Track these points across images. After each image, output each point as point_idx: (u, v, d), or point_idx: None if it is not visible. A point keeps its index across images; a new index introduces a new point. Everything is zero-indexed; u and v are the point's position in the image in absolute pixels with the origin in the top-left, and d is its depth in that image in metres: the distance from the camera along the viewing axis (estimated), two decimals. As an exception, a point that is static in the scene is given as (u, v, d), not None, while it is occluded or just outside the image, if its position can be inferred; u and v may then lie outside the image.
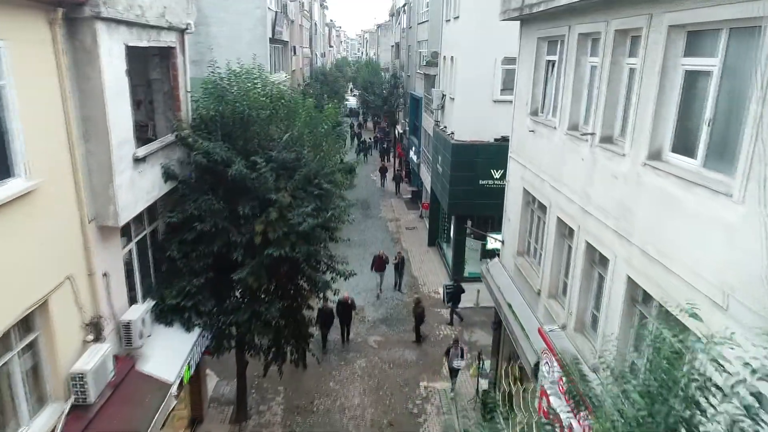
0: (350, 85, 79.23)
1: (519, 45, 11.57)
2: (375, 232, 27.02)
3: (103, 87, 7.37)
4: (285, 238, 10.20)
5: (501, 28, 18.54)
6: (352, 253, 24.09)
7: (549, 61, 10.11)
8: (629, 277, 6.61)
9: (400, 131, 38.51)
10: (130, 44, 8.34)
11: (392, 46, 51.30)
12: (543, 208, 10.05)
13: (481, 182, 19.36)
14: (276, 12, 22.41)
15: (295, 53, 30.33)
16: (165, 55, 10.51)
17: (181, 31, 10.71)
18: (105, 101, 7.43)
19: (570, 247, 8.82)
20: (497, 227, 22.16)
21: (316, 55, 53.45)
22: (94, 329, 7.60)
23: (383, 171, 39.51)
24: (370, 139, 51.35)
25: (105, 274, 8.14)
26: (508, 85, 18.87)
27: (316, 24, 53.75)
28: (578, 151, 8.20)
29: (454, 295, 18.39)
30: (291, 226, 10.08)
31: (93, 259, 7.65)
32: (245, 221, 10.34)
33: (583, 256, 8.01)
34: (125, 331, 8.58)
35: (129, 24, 8.14)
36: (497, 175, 19.31)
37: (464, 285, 20.53)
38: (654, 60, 6.05)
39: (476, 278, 21.08)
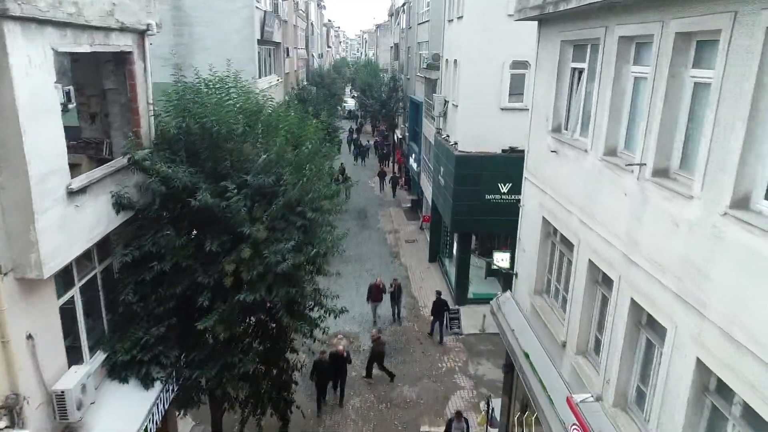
0: (349, 87, 77.82)
1: (537, 49, 9.96)
2: (372, 246, 25.39)
3: (16, 105, 5.74)
4: (261, 279, 8.58)
5: (509, 29, 16.95)
6: (347, 270, 22.48)
7: (575, 68, 8.50)
8: (699, 360, 4.99)
9: (399, 136, 36.89)
10: (63, 50, 6.72)
11: (391, 47, 49.69)
12: (568, 244, 8.43)
13: (487, 197, 17.76)
14: (265, 11, 20.81)
15: (288, 55, 28.71)
16: (120, 61, 8.89)
17: (140, 33, 9.09)
18: (20, 123, 5.80)
19: (606, 299, 7.21)
20: (503, 242, 20.76)
21: (312, 56, 51.83)
22: (8, 413, 5.98)
23: (382, 176, 38.13)
24: (368, 141, 49.80)
25: (30, 337, 6.52)
26: (516, 91, 17.32)
27: (312, 24, 52.13)
28: (620, 183, 6.58)
29: (437, 310, 17.38)
30: (268, 265, 8.47)
31: (8, 322, 6.03)
32: (214, 259, 8.72)
33: (627, 316, 6.40)
34: (59, 404, 6.95)
35: (59, 24, 6.50)
36: (505, 189, 17.72)
37: (468, 307, 19.01)
38: (742, 74, 4.44)
39: (481, 299, 19.50)
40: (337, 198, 9.87)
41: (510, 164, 17.46)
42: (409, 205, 31.56)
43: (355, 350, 16.75)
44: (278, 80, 26.41)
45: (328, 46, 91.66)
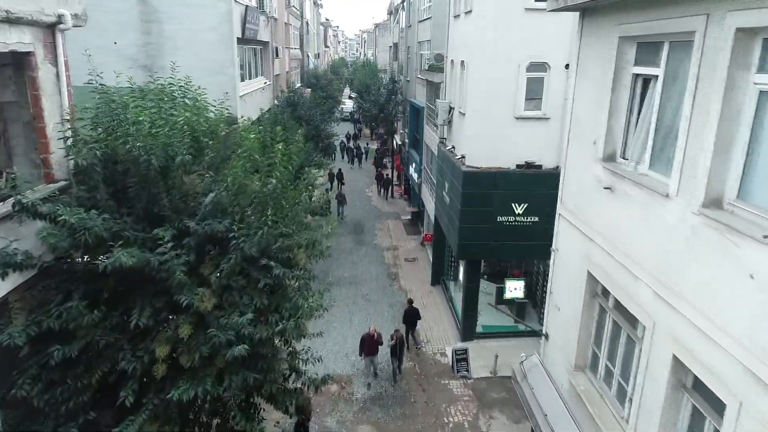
0: (347, 88, 75.64)
1: (577, 48, 7.64)
2: (368, 266, 23.03)
3: None
4: (207, 364, 6.26)
5: (526, 26, 14.62)
6: (340, 294, 20.16)
7: (639, 75, 6.16)
8: None
9: (399, 142, 34.55)
10: None
11: (390, 47, 47.37)
12: (632, 320, 6.11)
13: (499, 219, 15.42)
14: (246, 6, 18.47)
15: (278, 55, 26.38)
16: (19, 65, 6.56)
17: (48, 27, 6.77)
18: None
19: (699, 413, 4.88)
20: (515, 266, 18.41)
21: (308, 56, 49.51)
22: None
23: (380, 179, 36.01)
24: (367, 144, 47.54)
25: None
26: (533, 97, 14.98)
27: (308, 23, 49.81)
28: (737, 256, 4.27)
29: (408, 319, 16.73)
30: (216, 347, 6.14)
31: None
32: (145, 334, 6.41)
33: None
34: None
35: None
36: (520, 210, 15.39)
37: (477, 344, 16.68)
38: None
39: (491, 334, 17.19)
40: (318, 246, 7.51)
41: (526, 182, 15.18)
42: (408, 217, 29.21)
43: (348, 398, 14.42)
44: (266, 83, 24.08)
45: (326, 46, 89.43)
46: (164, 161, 6.46)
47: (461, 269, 18.45)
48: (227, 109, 8.48)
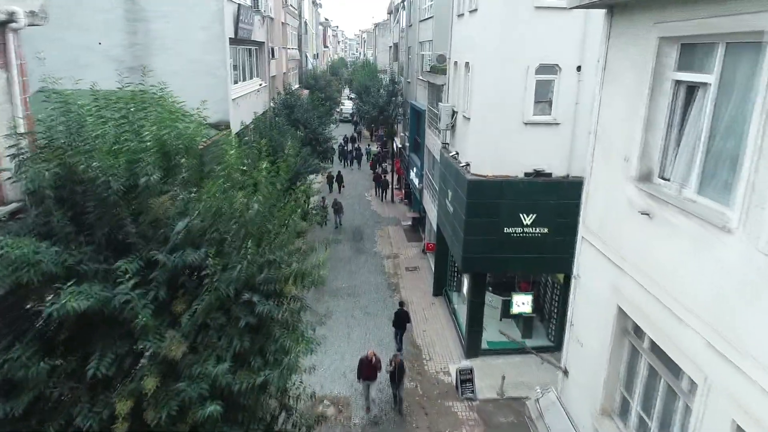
0: (347, 89, 74.76)
1: (604, 50, 6.74)
2: (368, 275, 22.13)
3: None
4: (178, 421, 5.36)
5: (535, 25, 13.70)
6: (337, 306, 19.26)
7: (682, 82, 5.27)
8: None
9: (399, 145, 33.65)
10: None
11: (390, 47, 46.48)
12: (674, 369, 5.22)
13: (506, 230, 14.53)
14: (239, 5, 17.57)
15: (274, 56, 25.49)
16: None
17: (-4, 26, 5.87)
18: None
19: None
20: (522, 278, 17.48)
21: (306, 56, 48.63)
22: None
23: (378, 180, 35.52)
24: (368, 146, 46.71)
25: None
26: (543, 101, 14.10)
27: (306, 23, 48.92)
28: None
29: (398, 322, 16.56)
30: (186, 402, 5.24)
31: None
32: (106, 385, 5.51)
33: None
34: None
35: None
36: (528, 221, 14.50)
37: (483, 361, 15.79)
38: None
39: (497, 351, 16.28)
40: (310, 277, 6.59)
41: (534, 191, 14.30)
42: (409, 223, 28.31)
43: (345, 423, 13.52)
44: (261, 85, 23.18)
45: (325, 46, 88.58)
46: (128, 182, 5.56)
47: (465, 281, 17.58)
48: (205, 120, 7.51)
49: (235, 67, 19.05)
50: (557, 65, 13.67)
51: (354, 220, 29.40)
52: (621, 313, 6.17)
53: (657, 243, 5.42)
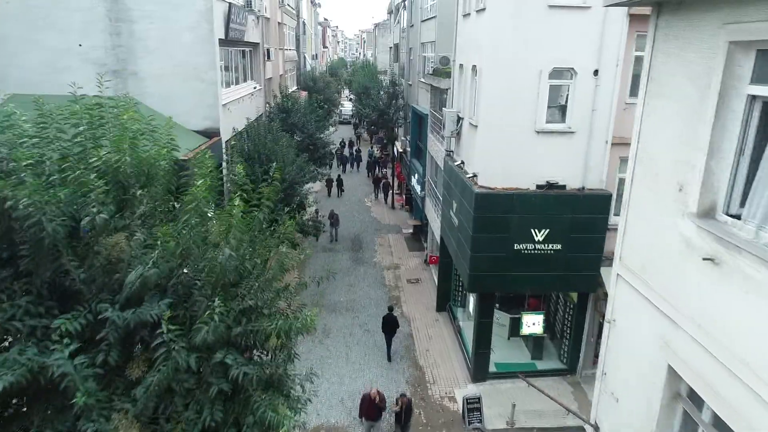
0: (346, 90, 73.74)
1: (649, 55, 5.66)
2: (367, 289, 21.06)
3: None
4: None
5: (549, 26, 12.62)
6: (335, 323, 18.23)
7: (758, 97, 4.21)
8: None
9: (400, 150, 32.57)
10: None
11: (390, 47, 45.41)
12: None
13: (516, 247, 13.47)
14: (230, 4, 16.48)
15: (269, 57, 24.41)
16: None
17: None
18: None
19: None
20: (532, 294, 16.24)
21: (304, 57, 47.55)
22: None
23: (377, 182, 34.98)
24: (370, 149, 45.68)
25: None
26: (556, 108, 13.04)
27: (304, 23, 47.85)
28: None
29: (388, 325, 16.26)
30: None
31: None
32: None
33: None
34: None
35: None
36: (540, 237, 13.44)
37: (491, 385, 14.74)
38: None
39: (506, 374, 15.24)
40: (297, 327, 5.50)
41: (547, 204, 13.25)
42: (410, 231, 27.24)
43: (342, 457, 12.48)
44: (255, 88, 22.11)
45: (324, 47, 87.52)
46: (69, 222, 4.49)
47: (471, 299, 16.54)
48: (173, 140, 6.43)
49: (226, 68, 17.99)
50: (572, 69, 12.62)
51: (353, 227, 28.33)
52: (672, 373, 5.11)
53: (725, 296, 4.36)
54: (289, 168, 16.99)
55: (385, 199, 32.68)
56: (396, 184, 33.29)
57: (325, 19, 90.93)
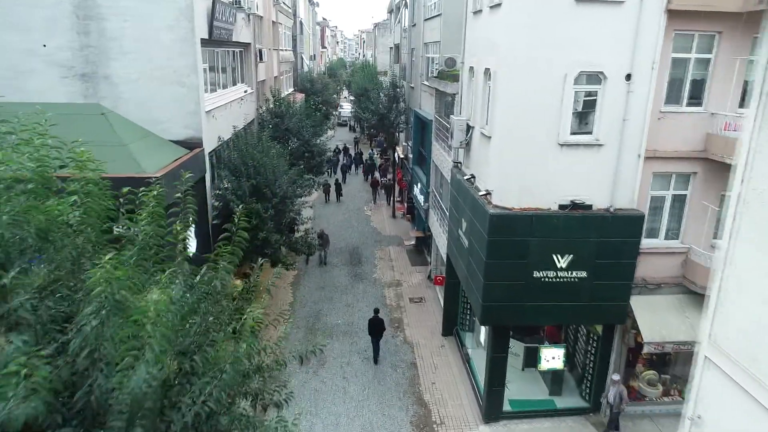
0: (345, 90, 72.32)
1: (764, 67, 4.02)
2: (367, 309, 19.35)
3: None
4: None
5: (576, 23, 10.93)
6: (332, 350, 16.59)
7: None
8: None
9: (401, 156, 30.98)
10: None
11: (390, 48, 43.83)
12: None
13: (536, 274, 11.89)
14: (213, 0, 14.86)
15: (262, 59, 22.82)
16: None
17: None
18: None
19: None
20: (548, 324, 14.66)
21: (302, 58, 45.98)
22: None
23: (375, 185, 34.12)
24: (371, 151, 44.16)
25: None
26: (583, 117, 11.46)
27: (302, 22, 46.27)
28: None
29: (374, 328, 16.07)
30: None
31: None
32: None
33: None
34: None
35: None
36: (563, 264, 11.85)
37: (504, 427, 13.14)
38: None
39: (522, 413, 13.64)
40: None
41: (571, 227, 11.66)
42: (413, 243, 25.62)
43: None
44: (246, 92, 20.51)
45: (323, 47, 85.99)
46: None
47: (483, 330, 14.94)
48: (99, 168, 4.81)
49: (212, 71, 16.40)
50: (602, 73, 11.03)
51: (351, 238, 26.73)
52: None
53: None
54: (281, 180, 15.40)
55: (388, 201, 31.10)
56: (397, 190, 31.68)
57: (324, 19, 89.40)
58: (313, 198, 29.52)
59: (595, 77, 11.11)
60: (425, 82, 22.39)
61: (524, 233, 11.66)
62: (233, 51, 19.36)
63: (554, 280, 11.95)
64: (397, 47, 36.04)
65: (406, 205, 30.70)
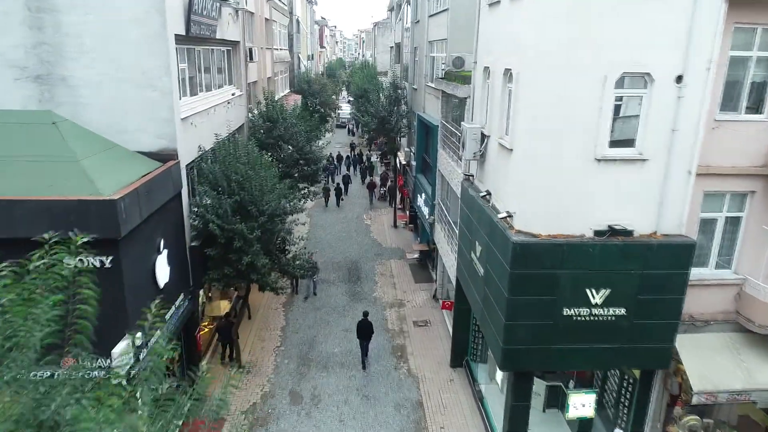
0: (345, 91, 70.65)
1: None
2: (367, 335, 17.59)
3: None
4: None
5: (617, 15, 9.12)
6: (327, 386, 14.63)
7: None
8: None
9: (403, 162, 29.12)
10: None
11: (391, 47, 41.97)
12: None
13: (566, 312, 10.08)
14: (192, -10, 13.05)
15: (252, 58, 20.97)
16: None
17: None
18: None
19: None
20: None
21: (299, 58, 44.13)
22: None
23: (371, 188, 33.05)
24: (370, 154, 42.54)
25: None
26: (624, 127, 9.66)
27: (298, 21, 44.43)
28: None
29: (363, 331, 15.75)
30: None
31: None
32: None
33: None
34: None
35: None
36: (598, 300, 10.04)
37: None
38: None
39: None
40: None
41: (608, 257, 9.86)
42: (416, 256, 23.79)
43: None
44: (234, 95, 18.68)
45: (322, 47, 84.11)
46: None
47: (502, 379, 13.13)
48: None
49: (193, 70, 14.57)
50: (648, 74, 9.21)
51: (350, 251, 24.90)
52: None
53: None
54: (269, 196, 13.54)
55: (391, 202, 29.27)
56: (398, 198, 29.84)
57: (323, 18, 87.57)
58: (310, 205, 27.71)
59: (640, 80, 9.29)
60: (430, 84, 20.57)
61: (553, 265, 9.83)
62: (219, 50, 17.52)
63: (588, 318, 10.12)
64: (398, 46, 34.19)
65: (408, 213, 28.90)
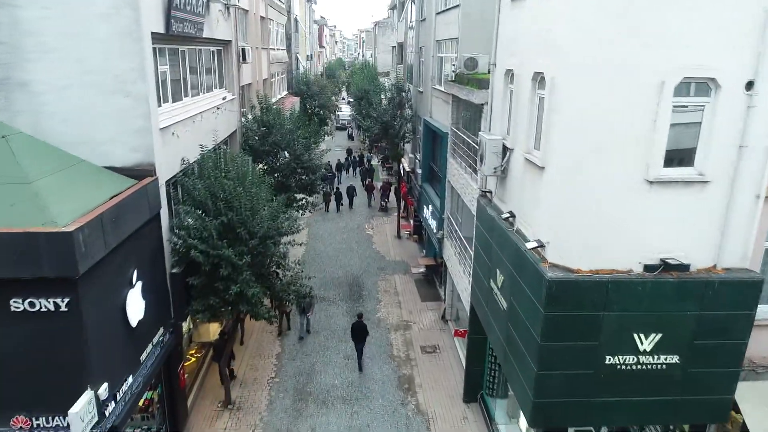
0: (344, 92, 69.24)
1: None
2: (369, 365, 15.97)
3: None
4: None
5: (676, 9, 7.47)
6: (327, 424, 13.20)
7: None
8: None
9: (407, 169, 27.54)
10: None
11: (393, 47, 40.38)
12: None
13: (609, 360, 8.53)
14: (171, -18, 11.50)
15: (245, 59, 19.40)
16: None
17: None
18: None
19: None
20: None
21: (297, 58, 42.56)
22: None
23: (370, 189, 32.42)
24: (370, 156, 41.03)
25: None
26: (680, 143, 8.11)
27: (297, 20, 42.86)
28: None
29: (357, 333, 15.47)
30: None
31: None
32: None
33: None
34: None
35: None
36: (647, 346, 8.52)
37: None
38: None
39: None
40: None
41: (659, 296, 8.31)
42: (422, 271, 22.24)
43: None
44: (225, 99, 17.10)
45: (321, 47, 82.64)
46: None
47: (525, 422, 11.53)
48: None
49: (175, 73, 13.02)
50: (713, 80, 7.66)
51: (351, 265, 23.32)
52: None
53: None
54: (261, 215, 11.96)
55: (398, 206, 27.71)
56: (402, 206, 28.24)
57: (322, 17, 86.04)
58: (307, 215, 26.12)
59: (704, 86, 7.74)
60: (438, 87, 19.01)
61: (595, 305, 8.29)
62: (208, 50, 15.96)
63: (634, 367, 8.58)
64: (401, 46, 32.62)
65: (412, 223, 27.34)
